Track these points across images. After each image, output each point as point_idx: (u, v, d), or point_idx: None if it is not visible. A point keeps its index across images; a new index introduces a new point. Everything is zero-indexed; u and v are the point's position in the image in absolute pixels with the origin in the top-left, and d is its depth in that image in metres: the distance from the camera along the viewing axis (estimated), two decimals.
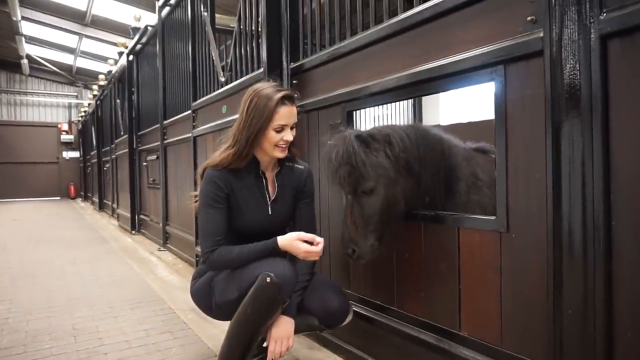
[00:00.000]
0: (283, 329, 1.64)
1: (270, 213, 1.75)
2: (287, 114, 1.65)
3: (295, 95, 1.76)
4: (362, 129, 1.72)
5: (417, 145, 1.61)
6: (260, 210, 1.74)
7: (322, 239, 1.62)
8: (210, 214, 1.67)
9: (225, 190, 1.69)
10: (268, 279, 1.53)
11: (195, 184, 4.00)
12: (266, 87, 1.68)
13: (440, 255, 1.61)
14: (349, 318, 1.78)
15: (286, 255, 1.64)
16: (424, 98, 6.32)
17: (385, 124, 5.18)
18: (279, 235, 1.81)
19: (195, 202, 1.81)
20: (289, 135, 1.67)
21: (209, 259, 1.64)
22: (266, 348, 1.67)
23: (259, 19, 2.61)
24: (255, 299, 1.56)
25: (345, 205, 1.66)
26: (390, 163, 1.57)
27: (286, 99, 1.65)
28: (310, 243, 1.60)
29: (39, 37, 11.45)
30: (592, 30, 1.10)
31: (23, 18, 9.44)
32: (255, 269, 1.58)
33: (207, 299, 1.74)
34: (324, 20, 2.24)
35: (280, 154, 1.70)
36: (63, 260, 4.52)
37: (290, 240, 1.61)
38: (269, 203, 1.76)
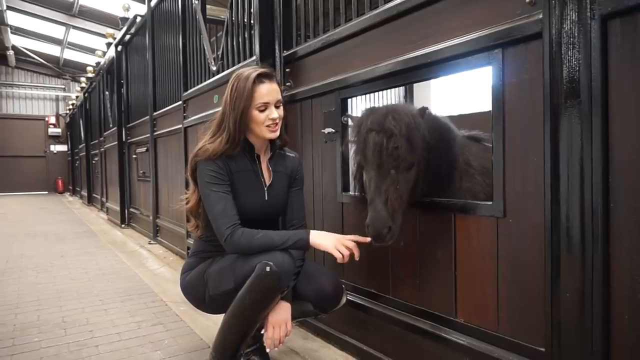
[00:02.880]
0: (280, 314, 1.62)
1: (266, 199, 1.73)
2: (266, 91, 1.63)
3: (273, 73, 1.72)
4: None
5: (430, 130, 1.58)
6: (256, 196, 1.72)
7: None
8: (215, 192, 1.63)
9: (225, 170, 1.66)
10: (267, 268, 1.50)
11: (187, 180, 3.96)
12: (247, 69, 1.68)
13: (436, 241, 1.60)
14: (344, 300, 1.77)
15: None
16: (415, 90, 6.31)
17: None
18: (275, 222, 1.79)
19: (187, 204, 1.78)
20: (274, 113, 1.64)
21: (232, 238, 1.58)
22: (261, 337, 1.65)
23: (252, 6, 2.57)
24: (253, 288, 1.53)
25: (379, 181, 1.48)
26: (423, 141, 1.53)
27: (263, 77, 1.64)
28: None
29: (25, 27, 11.22)
30: (592, 11, 1.08)
31: (8, 8, 9.25)
32: (253, 258, 1.55)
33: (199, 293, 1.71)
34: (318, 7, 2.21)
35: (270, 134, 1.67)
36: (51, 254, 4.45)
37: (328, 232, 1.64)
38: (265, 189, 1.73)
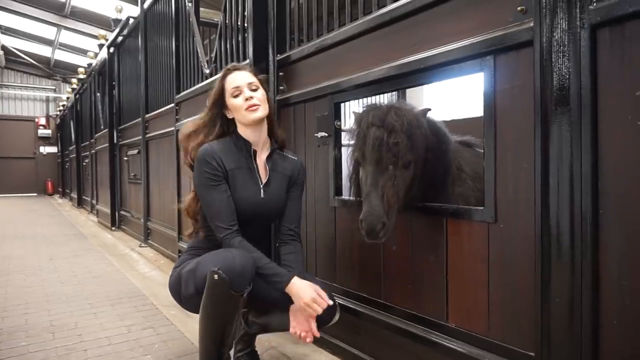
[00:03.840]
0: (303, 324, 1.63)
1: (262, 196, 1.73)
2: (235, 78, 1.73)
3: (245, 66, 1.81)
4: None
5: (428, 134, 1.58)
6: (252, 193, 1.72)
7: (332, 302, 1.62)
8: (211, 195, 1.65)
9: (220, 169, 1.67)
10: (215, 277, 1.50)
11: (179, 179, 3.98)
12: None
13: (428, 246, 1.61)
14: (336, 318, 1.76)
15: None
16: (408, 96, 6.36)
17: None
18: (272, 221, 1.80)
19: (179, 204, 1.79)
20: (247, 93, 1.69)
21: (229, 244, 1.61)
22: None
23: (246, 9, 2.57)
24: (210, 298, 1.54)
25: (377, 175, 1.47)
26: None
27: (231, 69, 1.76)
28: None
29: (16, 27, 11.12)
30: (582, 20, 1.10)
31: None
32: (207, 264, 1.56)
33: (178, 292, 1.72)
34: (312, 11, 2.21)
35: (253, 115, 1.68)
36: (40, 257, 4.40)
37: (306, 283, 1.60)
38: (261, 186, 1.73)
